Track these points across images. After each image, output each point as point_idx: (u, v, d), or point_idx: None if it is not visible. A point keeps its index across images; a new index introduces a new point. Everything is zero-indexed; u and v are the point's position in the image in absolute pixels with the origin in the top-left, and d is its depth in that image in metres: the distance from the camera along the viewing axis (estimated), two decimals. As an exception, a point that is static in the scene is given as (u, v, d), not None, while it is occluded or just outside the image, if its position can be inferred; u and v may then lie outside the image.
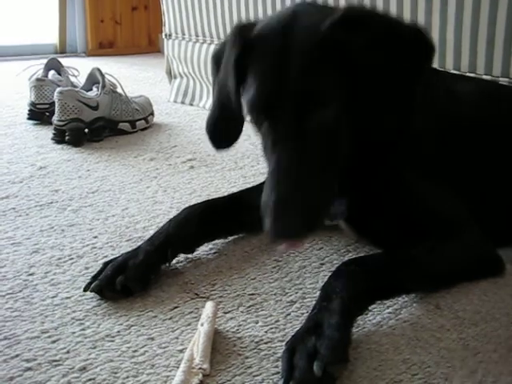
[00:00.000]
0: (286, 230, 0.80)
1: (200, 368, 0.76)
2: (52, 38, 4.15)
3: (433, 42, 0.90)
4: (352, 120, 0.87)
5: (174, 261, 1.05)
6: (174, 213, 1.22)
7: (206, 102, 2.44)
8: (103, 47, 4.26)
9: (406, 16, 1.57)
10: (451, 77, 1.26)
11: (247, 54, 0.89)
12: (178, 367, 0.77)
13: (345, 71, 0.84)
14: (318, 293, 0.95)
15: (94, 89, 2.00)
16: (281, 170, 0.82)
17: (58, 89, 1.91)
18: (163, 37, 2.61)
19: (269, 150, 0.87)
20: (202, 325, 0.83)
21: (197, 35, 2.41)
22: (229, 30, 2.21)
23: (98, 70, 2.04)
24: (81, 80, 2.21)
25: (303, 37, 0.86)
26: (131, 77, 3.23)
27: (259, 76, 0.87)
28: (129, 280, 0.95)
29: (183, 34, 2.48)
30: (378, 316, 0.90)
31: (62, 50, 4.14)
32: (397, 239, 0.98)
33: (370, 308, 0.89)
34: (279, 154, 0.83)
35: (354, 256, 1.08)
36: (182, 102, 2.55)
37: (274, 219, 0.80)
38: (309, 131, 0.83)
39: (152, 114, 2.17)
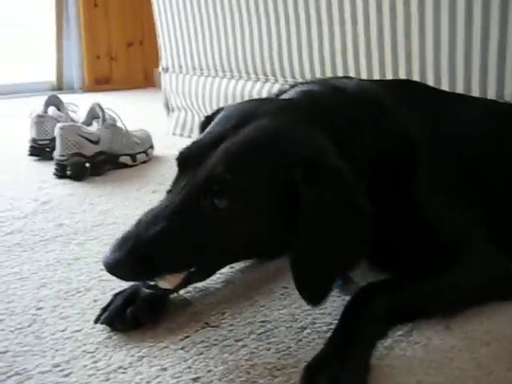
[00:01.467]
0: (112, 264, 0.82)
1: None
2: (49, 75, 4.20)
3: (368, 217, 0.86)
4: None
5: (183, 291, 1.05)
6: (179, 243, 1.22)
7: (204, 134, 2.47)
8: (99, 83, 4.31)
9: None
10: (457, 98, 1.27)
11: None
12: (192, 397, 0.77)
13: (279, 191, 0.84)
14: (327, 318, 0.97)
15: (95, 123, 2.03)
16: (149, 214, 0.85)
17: (59, 124, 1.93)
18: (160, 70, 2.65)
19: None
20: None
21: (194, 68, 2.44)
22: (225, 63, 2.28)
23: (98, 104, 2.06)
24: (80, 116, 2.24)
25: (256, 131, 0.87)
26: (128, 111, 3.25)
27: (200, 136, 0.91)
28: (139, 311, 0.95)
29: (180, 67, 2.52)
30: (390, 339, 0.90)
31: (60, 86, 4.19)
32: (411, 264, 0.97)
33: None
34: (161, 204, 0.85)
35: (359, 281, 1.08)
36: (181, 135, 2.57)
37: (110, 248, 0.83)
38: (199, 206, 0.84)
39: (152, 146, 2.19)
